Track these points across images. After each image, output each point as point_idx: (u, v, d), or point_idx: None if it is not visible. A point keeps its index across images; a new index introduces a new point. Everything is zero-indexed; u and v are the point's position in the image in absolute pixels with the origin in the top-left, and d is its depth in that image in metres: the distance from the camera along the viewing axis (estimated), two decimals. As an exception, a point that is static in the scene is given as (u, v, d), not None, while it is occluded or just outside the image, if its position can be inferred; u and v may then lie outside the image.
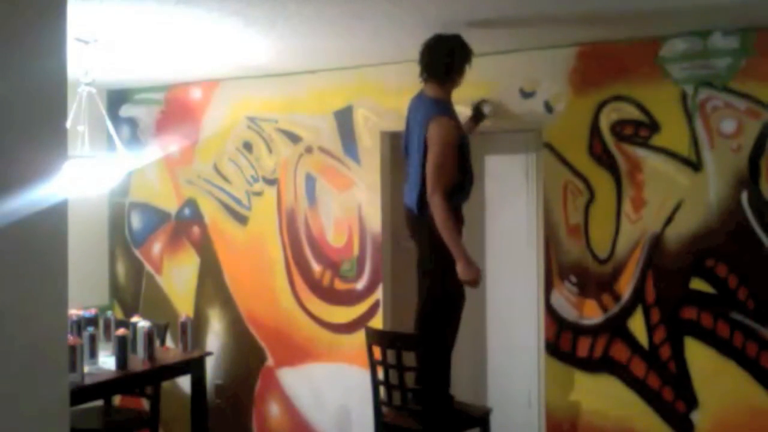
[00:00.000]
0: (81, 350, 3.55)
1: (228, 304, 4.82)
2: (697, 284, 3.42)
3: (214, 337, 4.86)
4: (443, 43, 3.21)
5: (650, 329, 3.52)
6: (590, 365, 3.66)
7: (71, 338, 3.43)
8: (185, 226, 4.99)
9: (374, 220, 4.25)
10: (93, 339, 3.74)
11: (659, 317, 3.50)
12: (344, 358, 4.35)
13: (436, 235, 3.20)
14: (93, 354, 3.73)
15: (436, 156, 3.18)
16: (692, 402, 3.43)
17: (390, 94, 4.06)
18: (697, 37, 3.40)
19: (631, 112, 3.55)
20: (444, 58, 3.23)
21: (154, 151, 5.05)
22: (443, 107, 3.28)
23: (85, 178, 3.73)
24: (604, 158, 3.62)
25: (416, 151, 3.30)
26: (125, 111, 5.19)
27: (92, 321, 4.16)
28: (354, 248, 4.33)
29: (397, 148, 3.85)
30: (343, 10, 3.02)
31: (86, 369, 3.62)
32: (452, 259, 3.19)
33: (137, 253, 5.20)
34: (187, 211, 4.97)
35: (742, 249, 3.33)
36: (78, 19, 3.09)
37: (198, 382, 4.17)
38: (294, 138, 4.53)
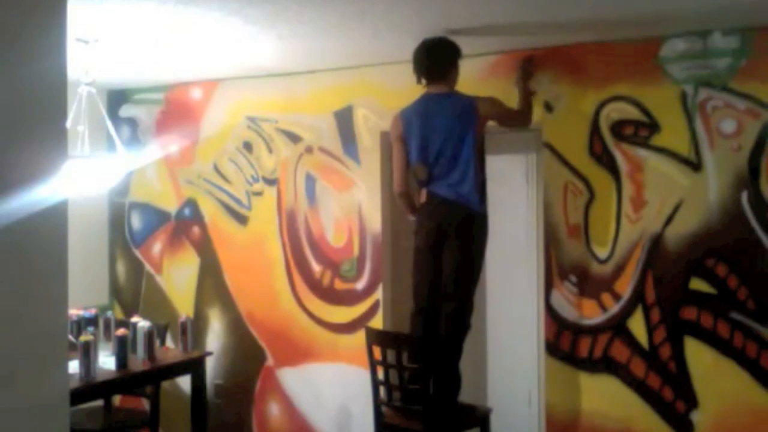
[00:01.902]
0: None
1: (228, 304, 4.81)
2: (697, 284, 3.42)
3: (214, 337, 4.86)
4: (435, 46, 3.33)
5: (650, 329, 3.52)
6: (590, 365, 3.66)
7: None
8: (185, 226, 4.99)
9: (374, 220, 4.25)
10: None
11: (659, 317, 3.50)
12: (344, 358, 4.35)
13: (485, 231, 3.40)
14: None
15: (508, 110, 3.48)
16: (692, 402, 3.43)
17: (390, 94, 4.06)
18: (697, 37, 3.40)
19: (631, 112, 3.55)
20: (443, 60, 3.35)
21: (154, 151, 5.05)
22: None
23: (85, 178, 3.73)
24: (604, 158, 3.62)
25: (460, 142, 3.29)
26: (125, 111, 5.19)
27: (92, 321, 4.16)
28: (354, 248, 4.33)
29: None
30: (343, 11, 3.03)
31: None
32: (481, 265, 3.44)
33: (137, 253, 5.20)
34: (187, 211, 4.97)
35: (742, 249, 3.33)
36: (78, 19, 3.09)
37: (198, 382, 4.17)
38: (294, 138, 4.53)
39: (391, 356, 3.43)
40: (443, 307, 3.41)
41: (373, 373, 3.50)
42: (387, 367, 3.44)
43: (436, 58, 3.34)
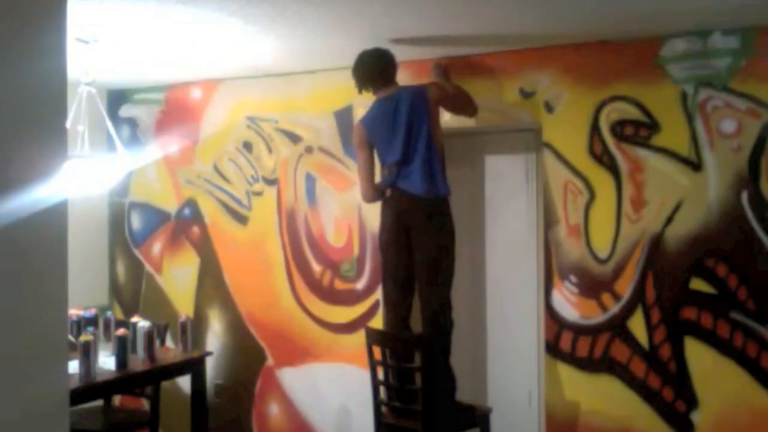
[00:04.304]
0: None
1: (228, 304, 4.81)
2: (697, 284, 3.42)
3: (214, 337, 4.86)
4: (377, 55, 3.51)
5: (650, 329, 3.52)
6: (590, 365, 3.66)
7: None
8: (185, 226, 4.98)
9: (374, 220, 4.24)
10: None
11: (659, 317, 3.50)
12: (344, 358, 4.35)
13: (451, 220, 3.44)
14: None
15: (454, 94, 3.59)
16: (692, 402, 3.43)
17: (390, 94, 4.05)
18: (697, 37, 3.40)
19: (631, 112, 3.55)
20: (388, 64, 3.53)
21: (154, 151, 5.05)
22: None
23: (85, 178, 3.73)
24: (604, 158, 3.62)
25: (418, 133, 3.39)
26: (125, 111, 5.19)
27: (92, 321, 4.15)
28: (354, 248, 4.33)
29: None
30: (342, 11, 3.03)
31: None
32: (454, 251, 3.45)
33: (137, 253, 5.20)
34: (187, 211, 4.97)
35: (742, 249, 3.33)
36: (78, 19, 3.09)
37: (198, 382, 4.17)
38: (294, 138, 4.53)
39: (390, 356, 3.44)
40: (423, 304, 3.43)
41: (373, 373, 3.50)
42: (387, 367, 3.44)
43: (384, 65, 3.51)
